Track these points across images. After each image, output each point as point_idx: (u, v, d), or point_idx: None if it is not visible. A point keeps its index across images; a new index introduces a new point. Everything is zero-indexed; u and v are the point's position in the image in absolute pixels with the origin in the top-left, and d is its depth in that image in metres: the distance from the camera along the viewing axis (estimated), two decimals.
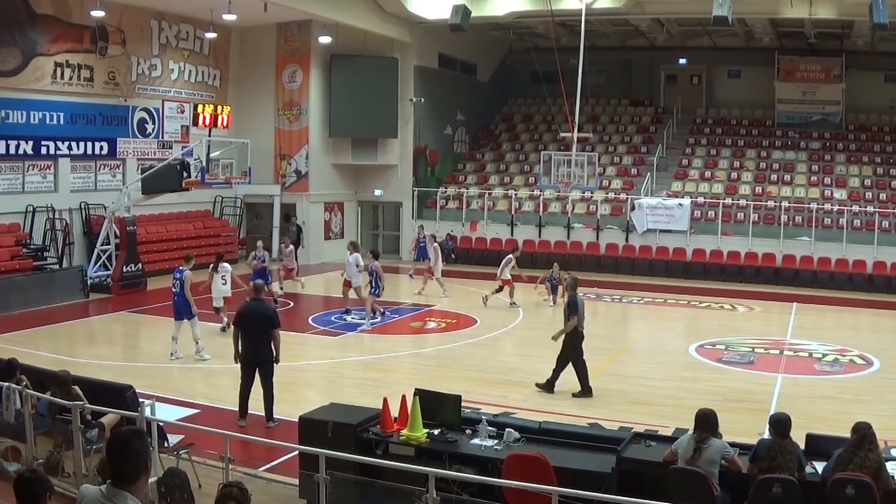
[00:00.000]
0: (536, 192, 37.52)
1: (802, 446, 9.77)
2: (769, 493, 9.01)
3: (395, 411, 11.01)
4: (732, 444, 9.66)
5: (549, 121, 42.88)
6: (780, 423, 9.60)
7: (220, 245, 33.12)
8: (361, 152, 38.02)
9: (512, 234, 36.34)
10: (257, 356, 14.30)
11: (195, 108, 32.73)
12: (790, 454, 9.32)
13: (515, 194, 38.12)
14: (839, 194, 36.10)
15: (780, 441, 9.44)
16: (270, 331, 14.32)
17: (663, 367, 19.65)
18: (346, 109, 36.34)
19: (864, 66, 40.62)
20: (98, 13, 28.18)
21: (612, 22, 37.96)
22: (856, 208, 34.57)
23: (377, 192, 38.90)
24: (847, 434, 9.39)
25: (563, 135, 35.42)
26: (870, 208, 34.31)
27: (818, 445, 10.10)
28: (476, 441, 10.55)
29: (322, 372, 18.98)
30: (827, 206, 34.77)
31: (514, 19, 36.19)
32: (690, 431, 9.57)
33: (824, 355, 20.90)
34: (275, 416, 14.29)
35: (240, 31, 36.77)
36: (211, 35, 33.36)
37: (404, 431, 10.67)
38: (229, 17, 31.32)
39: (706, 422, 9.50)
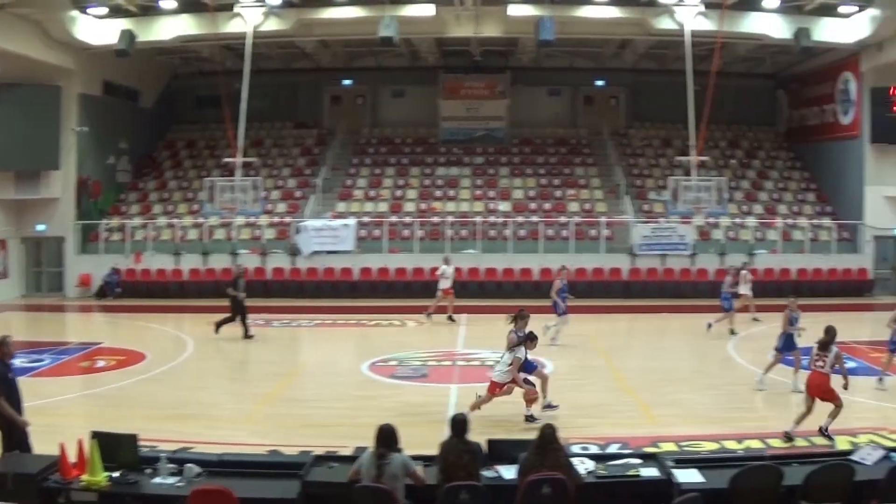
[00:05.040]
0: (201, 220, 36.47)
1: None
2: (456, 500, 9.09)
3: (73, 456, 10.25)
4: (415, 457, 9.64)
5: (212, 146, 41.96)
6: (455, 423, 9.83)
7: None
8: (25, 186, 35.60)
9: (178, 264, 35.29)
10: None
11: None
12: (466, 453, 9.52)
13: (179, 223, 36.99)
14: (503, 207, 37.43)
15: (455, 441, 9.66)
16: None
17: (338, 387, 19.48)
18: (7, 141, 34.13)
19: (528, 81, 42.65)
20: None
21: (278, 45, 37.75)
22: (520, 219, 35.75)
23: (39, 228, 36.81)
24: (528, 437, 9.64)
25: (226, 160, 34.78)
26: (534, 218, 35.63)
27: (501, 450, 10.30)
28: (157, 480, 10.05)
29: None
30: (492, 219, 35.76)
31: (179, 43, 35.17)
32: (371, 449, 9.46)
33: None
34: None
35: None
36: None
37: (84, 477, 9.98)
38: None
39: (385, 438, 9.44)
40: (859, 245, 36.90)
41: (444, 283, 28.45)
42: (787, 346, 18.96)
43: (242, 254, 34.91)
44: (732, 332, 25.76)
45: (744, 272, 28.32)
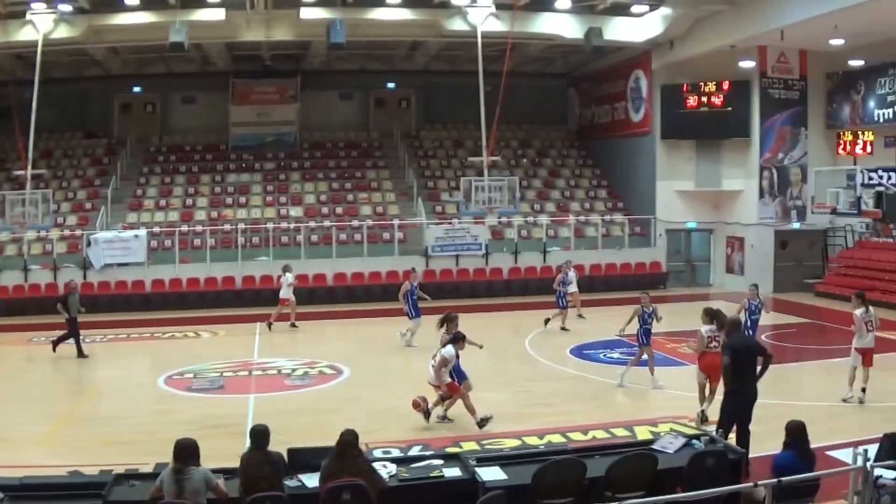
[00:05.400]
0: None
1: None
2: None
3: None
4: (216, 471, 9.52)
5: (3, 159, 39.97)
6: (255, 435, 9.87)
7: None
8: None
9: None
10: None
11: None
12: (267, 464, 9.52)
13: None
14: (295, 212, 37.23)
15: (256, 452, 9.66)
16: None
17: (134, 403, 18.99)
18: None
19: (319, 85, 42.56)
20: None
21: (68, 52, 36.21)
22: (312, 224, 35.64)
23: None
24: (328, 443, 9.66)
25: (17, 172, 33.53)
26: (327, 223, 35.57)
27: (302, 459, 10.26)
28: None
29: None
30: (284, 225, 35.56)
31: None
32: (171, 464, 9.28)
33: (293, 370, 21.36)
34: None
35: None
36: None
37: None
38: None
39: (183, 452, 9.26)
40: (652, 239, 38.22)
41: (286, 292, 28.06)
42: (647, 340, 19.30)
43: (34, 269, 33.23)
44: (563, 329, 26.41)
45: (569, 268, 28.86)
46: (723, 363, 12.92)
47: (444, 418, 16.31)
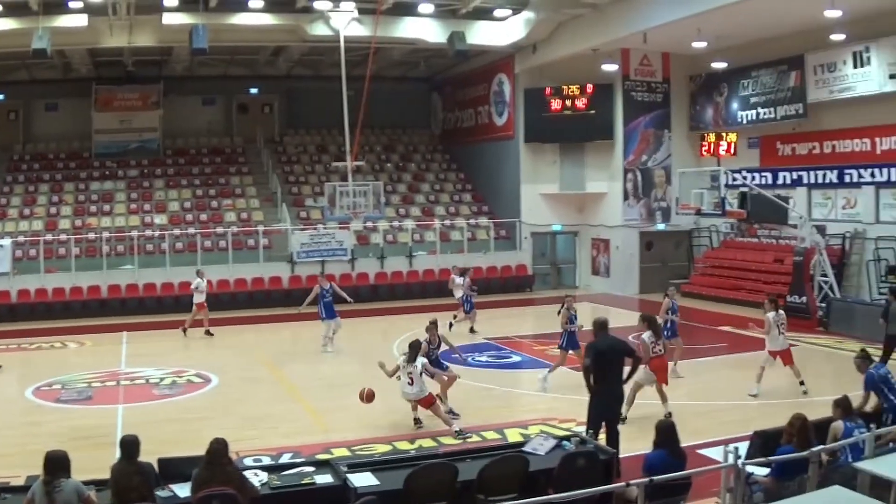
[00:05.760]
0: None
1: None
2: None
3: None
4: (87, 482, 9.52)
5: None
6: (124, 445, 9.81)
7: None
8: None
9: None
10: None
11: None
12: (137, 475, 9.52)
13: None
14: (159, 219, 37.01)
15: (126, 463, 9.66)
16: None
17: (2, 415, 18.63)
18: None
19: (182, 91, 42.36)
20: None
21: None
22: (177, 231, 35.53)
23: None
24: (198, 452, 9.75)
25: None
26: (191, 230, 35.52)
27: (172, 468, 10.35)
28: None
29: None
30: (148, 233, 35.36)
31: None
32: (42, 476, 9.32)
33: (161, 379, 21.32)
34: None
35: None
36: None
37: None
38: None
39: (54, 464, 9.20)
40: (518, 242, 38.87)
41: (199, 297, 27.88)
42: (570, 343, 19.60)
43: None
44: (472, 331, 26.88)
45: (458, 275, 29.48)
46: (584, 364, 13.21)
47: (450, 412, 16.70)
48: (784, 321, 18.84)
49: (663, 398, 16.46)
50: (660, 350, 16.56)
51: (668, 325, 20.31)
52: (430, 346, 17.52)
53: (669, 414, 15.61)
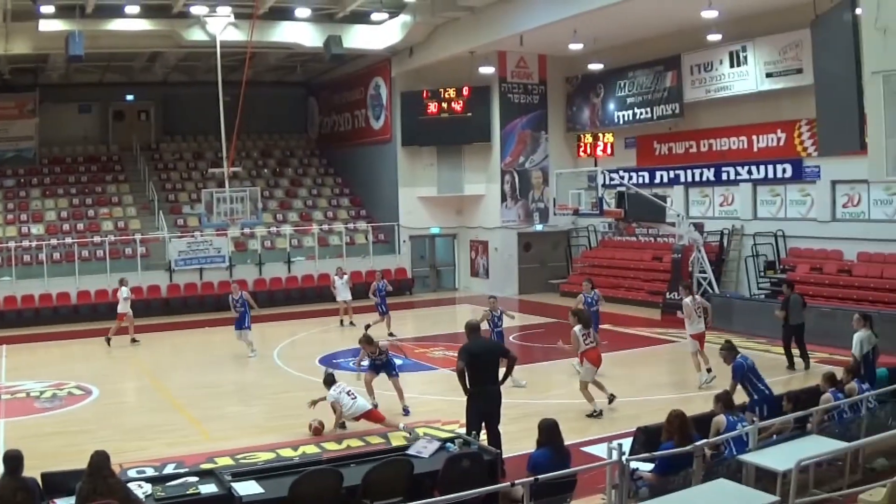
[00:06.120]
0: None
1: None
2: None
3: None
4: None
5: None
6: (7, 460, 9.66)
7: None
8: None
9: None
10: None
11: None
12: (20, 490, 9.40)
13: None
14: (36, 229, 36.42)
15: (8, 478, 9.53)
16: None
17: None
18: None
19: (58, 98, 41.62)
20: None
21: None
22: (54, 241, 35.04)
23: None
24: (81, 465, 9.69)
25: None
26: (68, 240, 35.03)
27: (56, 482, 10.29)
28: None
29: None
30: (25, 243, 34.79)
31: None
32: None
33: (42, 392, 21.03)
34: None
35: None
36: None
37: None
38: None
39: None
40: (397, 246, 39.15)
41: (123, 306, 27.58)
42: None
43: None
44: (391, 335, 26.69)
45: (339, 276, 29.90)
46: (458, 367, 13.33)
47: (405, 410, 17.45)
48: (702, 305, 19.70)
49: (600, 387, 17.21)
50: (591, 342, 17.09)
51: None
52: (374, 357, 17.97)
53: (612, 396, 17.15)
